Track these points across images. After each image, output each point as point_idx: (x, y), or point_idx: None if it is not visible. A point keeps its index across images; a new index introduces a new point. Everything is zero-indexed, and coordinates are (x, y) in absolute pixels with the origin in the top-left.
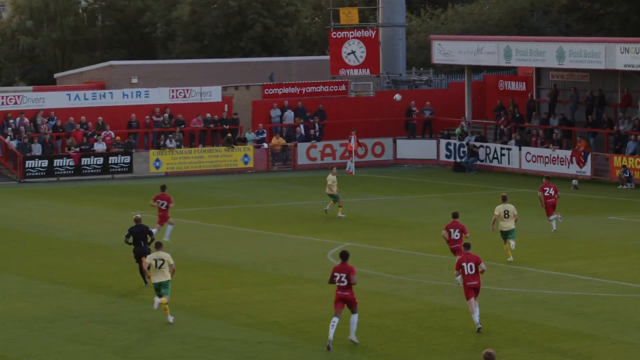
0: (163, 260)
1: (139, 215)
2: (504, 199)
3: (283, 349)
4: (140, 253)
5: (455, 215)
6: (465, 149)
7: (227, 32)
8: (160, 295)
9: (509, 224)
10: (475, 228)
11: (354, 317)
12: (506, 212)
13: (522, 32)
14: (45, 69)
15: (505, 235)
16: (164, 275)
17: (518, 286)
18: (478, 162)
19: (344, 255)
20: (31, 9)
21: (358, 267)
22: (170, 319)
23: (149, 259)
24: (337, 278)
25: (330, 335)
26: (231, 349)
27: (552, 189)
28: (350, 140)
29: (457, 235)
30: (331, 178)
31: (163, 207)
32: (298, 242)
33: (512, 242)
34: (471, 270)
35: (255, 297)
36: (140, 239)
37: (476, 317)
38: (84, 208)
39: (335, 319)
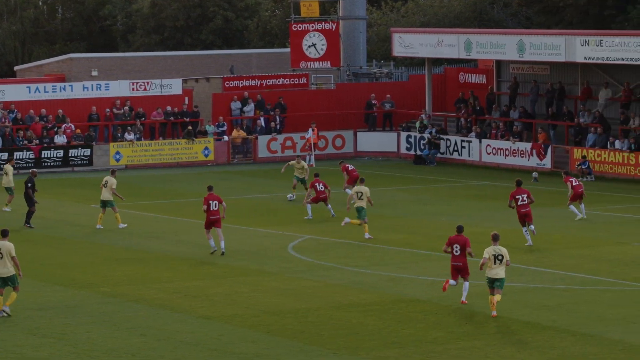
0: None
1: None
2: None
3: (244, 341)
4: None
5: (459, 230)
6: (426, 142)
7: (188, 25)
8: None
9: None
10: (436, 221)
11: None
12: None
13: (482, 24)
14: (5, 61)
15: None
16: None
17: (478, 279)
18: (438, 155)
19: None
20: None
21: (318, 260)
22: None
23: None
24: (453, 248)
25: (453, 282)
26: (192, 342)
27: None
28: (308, 133)
29: (457, 251)
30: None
31: None
32: (259, 234)
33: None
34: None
35: (216, 289)
36: None
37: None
38: (44, 200)
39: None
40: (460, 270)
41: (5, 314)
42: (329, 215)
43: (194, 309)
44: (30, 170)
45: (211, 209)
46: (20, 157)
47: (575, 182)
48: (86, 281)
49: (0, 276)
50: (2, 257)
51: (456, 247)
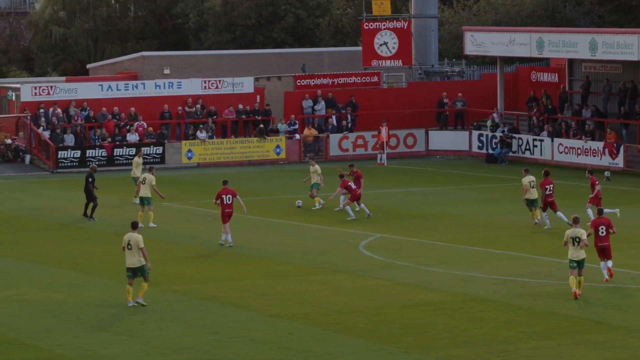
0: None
1: None
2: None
3: (314, 339)
4: None
5: (600, 212)
6: (497, 141)
7: (260, 23)
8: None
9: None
10: (506, 220)
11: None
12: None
13: (554, 23)
14: (78, 59)
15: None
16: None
17: (551, 278)
18: (510, 154)
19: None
20: None
21: (389, 259)
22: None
23: None
24: (598, 230)
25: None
26: (263, 340)
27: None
28: (380, 132)
29: (603, 232)
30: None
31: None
32: (330, 233)
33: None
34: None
35: (287, 287)
36: None
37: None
38: (115, 198)
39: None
40: (605, 251)
41: (138, 304)
42: (398, 214)
43: (264, 307)
44: (91, 166)
45: (225, 202)
46: (93, 155)
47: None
48: (155, 279)
49: (130, 267)
50: (131, 249)
51: (602, 229)
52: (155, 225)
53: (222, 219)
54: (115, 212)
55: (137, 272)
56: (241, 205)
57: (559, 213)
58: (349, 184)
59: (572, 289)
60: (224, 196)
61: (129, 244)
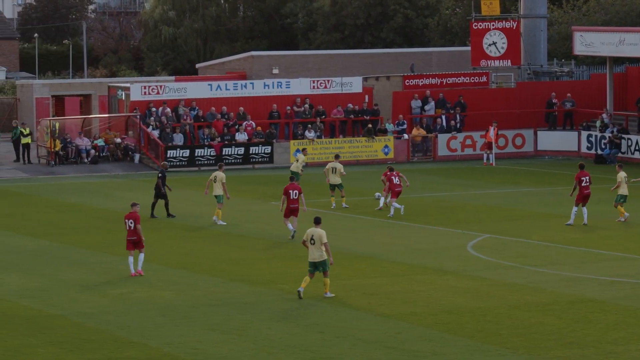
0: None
1: None
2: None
3: (421, 339)
4: None
5: (582, 167)
6: (607, 141)
7: (368, 23)
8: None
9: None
10: (614, 221)
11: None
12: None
13: None
14: (187, 59)
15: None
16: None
17: None
18: (619, 154)
19: (582, 166)
20: None
21: (497, 259)
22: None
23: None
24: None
25: None
26: (370, 340)
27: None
28: (488, 132)
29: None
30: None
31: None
32: (437, 232)
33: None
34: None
35: (394, 287)
36: None
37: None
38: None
39: None
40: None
41: (327, 298)
42: (506, 214)
43: (372, 306)
44: (162, 164)
45: (291, 197)
46: (202, 155)
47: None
48: (263, 278)
49: (313, 261)
50: (314, 243)
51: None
52: (224, 223)
53: (286, 214)
54: (225, 211)
55: (318, 267)
56: (303, 202)
57: (583, 208)
58: (392, 177)
59: None
60: (290, 191)
61: (312, 239)
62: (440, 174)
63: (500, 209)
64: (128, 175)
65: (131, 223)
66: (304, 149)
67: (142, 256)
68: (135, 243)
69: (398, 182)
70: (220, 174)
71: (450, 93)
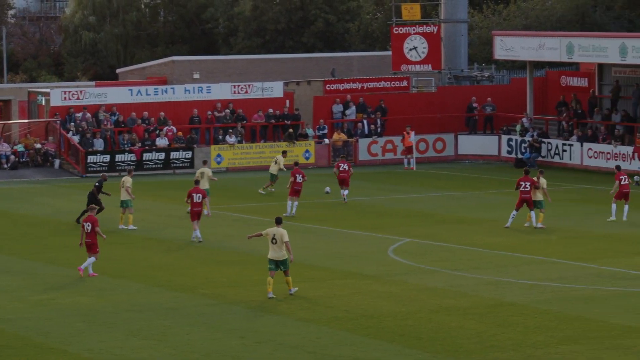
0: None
1: None
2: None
3: (342, 344)
4: None
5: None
6: (527, 145)
7: (289, 28)
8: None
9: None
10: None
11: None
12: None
13: (584, 27)
14: (108, 64)
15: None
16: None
17: (580, 283)
18: (539, 158)
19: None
20: (94, 4)
21: (418, 264)
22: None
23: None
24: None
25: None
26: (291, 344)
27: (626, 177)
28: (405, 137)
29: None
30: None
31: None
32: (358, 237)
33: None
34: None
35: (315, 292)
36: None
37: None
38: (145, 202)
39: None
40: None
41: (291, 295)
42: (427, 218)
43: (293, 311)
44: (102, 174)
45: (194, 200)
46: (122, 160)
47: (625, 180)
48: (185, 283)
49: (274, 259)
50: (275, 242)
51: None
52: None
53: (192, 217)
54: (143, 216)
55: (279, 265)
56: (207, 206)
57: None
58: (296, 174)
59: None
60: (194, 195)
61: (273, 238)
62: (361, 179)
63: (421, 213)
64: (48, 181)
65: (88, 226)
66: (283, 152)
67: (92, 259)
68: (89, 246)
69: (345, 169)
70: (128, 179)
71: (371, 98)
